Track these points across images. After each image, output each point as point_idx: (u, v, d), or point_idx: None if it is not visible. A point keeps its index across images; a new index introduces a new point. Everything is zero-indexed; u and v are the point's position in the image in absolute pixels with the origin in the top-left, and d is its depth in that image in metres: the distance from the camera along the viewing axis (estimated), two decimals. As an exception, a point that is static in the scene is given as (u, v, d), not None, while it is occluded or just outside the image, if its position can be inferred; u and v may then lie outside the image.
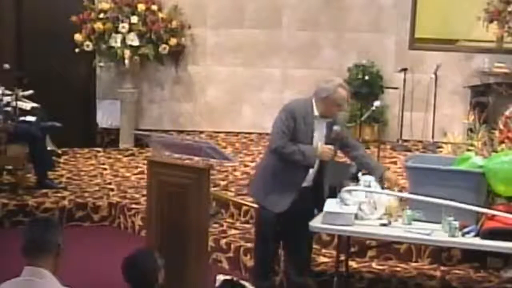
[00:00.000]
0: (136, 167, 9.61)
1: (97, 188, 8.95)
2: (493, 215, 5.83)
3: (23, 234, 4.07)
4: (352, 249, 6.86)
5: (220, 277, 4.55)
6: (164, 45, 10.27)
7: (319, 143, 6.27)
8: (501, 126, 6.57)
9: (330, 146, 6.28)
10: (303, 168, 6.31)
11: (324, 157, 6.29)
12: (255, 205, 8.06)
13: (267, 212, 6.39)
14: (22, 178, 8.77)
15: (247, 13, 10.85)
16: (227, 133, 10.90)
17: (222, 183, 8.72)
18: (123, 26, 10.13)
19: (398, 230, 5.96)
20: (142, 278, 4.30)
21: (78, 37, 10.12)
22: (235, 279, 4.47)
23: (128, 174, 9.41)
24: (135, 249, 4.63)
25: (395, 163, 9.43)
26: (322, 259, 7.16)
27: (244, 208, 8.10)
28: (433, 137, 10.16)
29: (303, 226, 6.12)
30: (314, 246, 7.40)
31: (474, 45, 10.50)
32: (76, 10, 10.16)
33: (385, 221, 6.03)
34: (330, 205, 6.08)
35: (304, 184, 6.34)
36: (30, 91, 9.33)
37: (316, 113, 6.28)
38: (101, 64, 10.41)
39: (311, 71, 10.78)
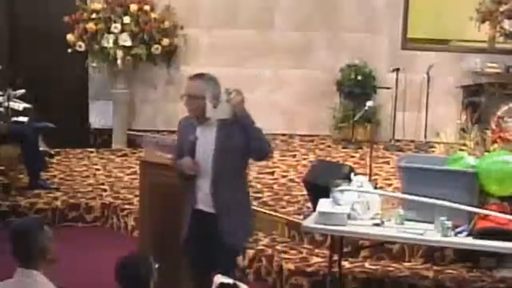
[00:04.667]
0: (129, 168, 9.60)
1: (90, 188, 8.94)
2: (486, 215, 5.84)
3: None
4: (345, 249, 6.86)
5: (218, 279, 4.50)
6: (156, 46, 10.26)
7: (185, 158, 5.51)
8: (494, 126, 6.59)
9: (188, 159, 5.47)
10: (191, 185, 5.57)
11: (186, 171, 5.50)
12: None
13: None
14: (14, 179, 8.75)
15: (239, 14, 10.84)
16: (220, 133, 10.88)
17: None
18: (116, 27, 10.11)
19: (391, 230, 5.97)
20: (134, 281, 4.29)
21: (70, 37, 10.11)
22: (231, 282, 4.44)
23: (121, 175, 9.40)
24: (131, 251, 4.63)
25: (387, 163, 9.45)
26: (315, 259, 7.16)
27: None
28: (425, 137, 10.16)
29: (206, 263, 5.47)
30: (308, 246, 7.41)
31: (466, 45, 10.52)
32: (68, 11, 10.15)
33: (378, 221, 6.03)
34: (323, 205, 6.08)
35: (201, 207, 5.54)
36: (22, 91, 9.31)
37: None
38: (94, 64, 10.40)
39: (304, 71, 10.78)
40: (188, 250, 5.68)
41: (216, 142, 5.43)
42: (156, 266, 4.39)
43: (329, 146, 10.41)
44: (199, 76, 5.57)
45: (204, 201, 5.53)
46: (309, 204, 7.32)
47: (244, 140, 5.41)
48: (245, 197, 5.69)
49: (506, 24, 9.80)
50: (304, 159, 9.70)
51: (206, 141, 5.46)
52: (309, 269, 6.99)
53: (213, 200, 5.48)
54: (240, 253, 6.12)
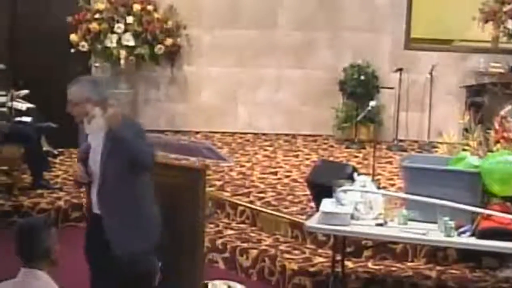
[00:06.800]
0: (132, 168, 9.58)
1: (92, 188, 8.93)
2: (489, 215, 5.84)
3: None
4: (348, 249, 6.87)
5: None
6: (159, 46, 10.26)
7: (77, 165, 5.40)
8: (497, 126, 6.58)
9: (78, 166, 5.34)
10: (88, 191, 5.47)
11: (78, 179, 5.40)
12: (252, 206, 8.10)
13: None
14: (17, 179, 8.75)
15: (242, 13, 10.84)
16: (223, 133, 10.90)
17: (218, 183, 8.71)
18: (119, 27, 10.13)
19: (394, 230, 5.97)
20: (141, 278, 4.30)
21: (73, 37, 10.12)
22: None
23: (123, 175, 9.39)
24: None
25: (390, 163, 9.44)
26: (318, 259, 7.16)
27: (240, 208, 8.10)
28: (428, 137, 10.17)
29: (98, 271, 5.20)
30: (311, 246, 7.41)
31: (469, 45, 10.51)
32: (71, 11, 10.15)
33: (381, 221, 6.03)
34: (326, 205, 6.08)
35: (96, 211, 5.36)
36: (26, 91, 9.32)
37: None
38: (97, 64, 10.41)
39: (306, 71, 10.79)
40: (90, 260, 5.41)
41: (102, 149, 5.24)
42: (160, 264, 4.40)
43: (332, 146, 10.41)
44: (78, 80, 5.38)
45: (95, 202, 5.37)
46: (312, 204, 7.32)
47: (124, 151, 5.15)
48: (141, 208, 5.36)
49: (510, 24, 9.81)
50: (307, 159, 9.70)
51: (96, 148, 5.29)
52: (312, 269, 6.99)
53: (99, 206, 5.29)
54: (144, 269, 5.20)
